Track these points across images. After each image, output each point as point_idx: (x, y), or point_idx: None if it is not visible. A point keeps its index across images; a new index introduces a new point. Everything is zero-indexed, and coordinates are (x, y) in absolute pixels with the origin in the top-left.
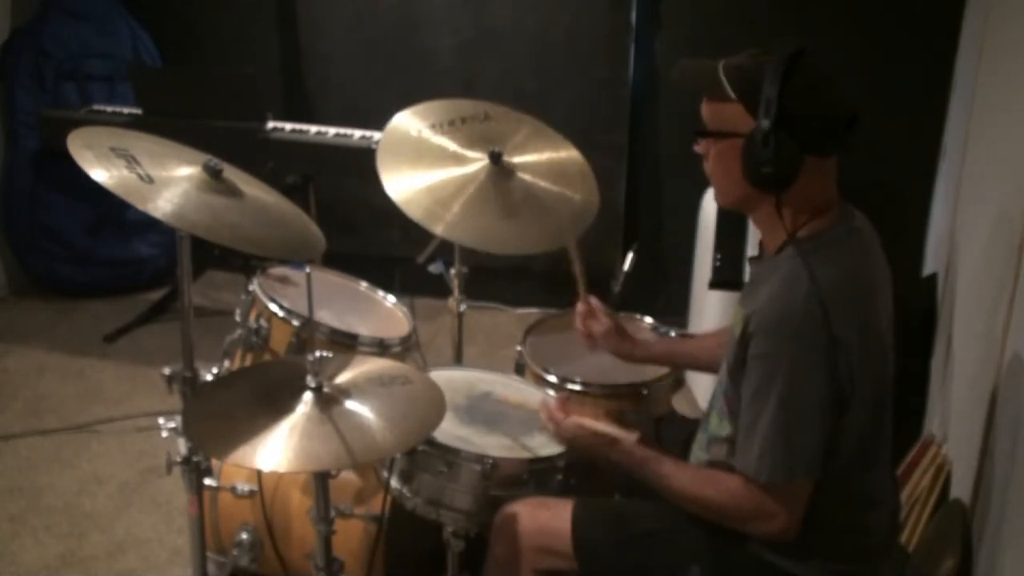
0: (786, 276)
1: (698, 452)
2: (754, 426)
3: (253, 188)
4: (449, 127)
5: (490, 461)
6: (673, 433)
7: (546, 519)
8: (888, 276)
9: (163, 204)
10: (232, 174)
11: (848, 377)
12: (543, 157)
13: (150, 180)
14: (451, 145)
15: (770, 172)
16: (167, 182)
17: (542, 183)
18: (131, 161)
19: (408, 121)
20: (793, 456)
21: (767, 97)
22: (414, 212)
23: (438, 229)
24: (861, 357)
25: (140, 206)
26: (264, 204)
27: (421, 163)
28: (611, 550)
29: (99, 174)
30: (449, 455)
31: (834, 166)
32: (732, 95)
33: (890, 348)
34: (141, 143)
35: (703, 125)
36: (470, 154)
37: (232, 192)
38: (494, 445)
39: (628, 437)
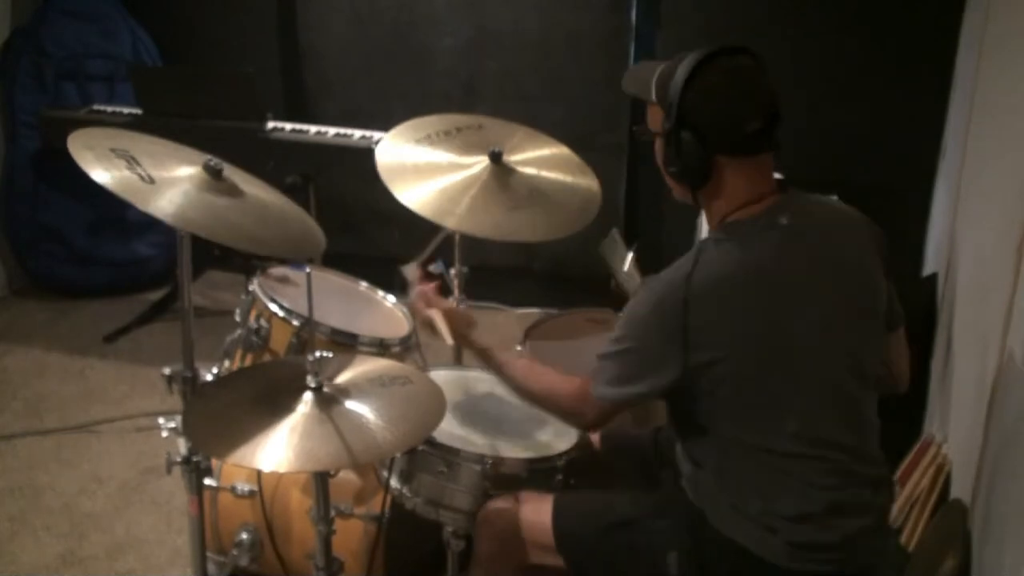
0: (685, 256)
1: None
2: (606, 347)
3: (253, 187)
4: (445, 136)
5: (490, 461)
6: (670, 442)
7: (527, 513)
8: (846, 266)
9: (164, 204)
10: (232, 174)
11: (694, 364)
12: (540, 154)
13: (150, 180)
14: (449, 154)
15: (675, 171)
16: (167, 182)
17: (543, 174)
18: (131, 161)
19: (402, 136)
20: (612, 384)
21: (670, 101)
22: (424, 212)
23: (450, 223)
24: (721, 349)
25: (141, 206)
26: (264, 203)
27: (424, 173)
28: (592, 540)
29: (100, 175)
30: (449, 455)
31: (763, 163)
32: (654, 99)
33: (826, 344)
34: (141, 144)
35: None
36: (470, 159)
37: (232, 192)
38: (494, 445)
39: (448, 342)
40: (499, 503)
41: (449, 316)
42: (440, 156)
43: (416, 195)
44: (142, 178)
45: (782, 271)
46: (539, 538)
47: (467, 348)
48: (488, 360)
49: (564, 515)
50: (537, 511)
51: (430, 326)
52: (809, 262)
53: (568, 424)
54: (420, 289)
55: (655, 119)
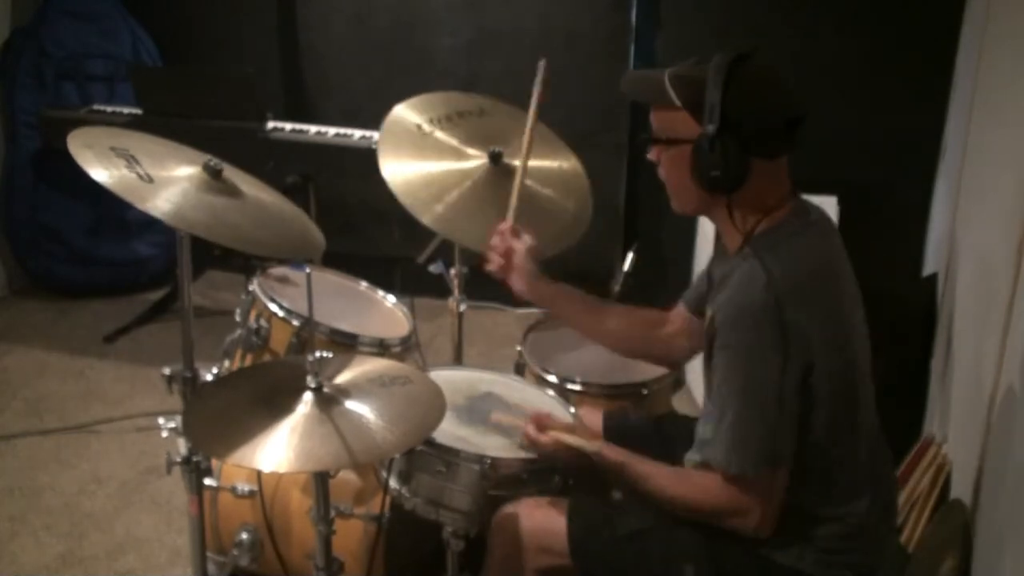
0: (745, 273)
1: (691, 455)
2: (721, 419)
3: (253, 188)
4: (447, 122)
5: (489, 461)
6: (674, 432)
7: (542, 518)
8: (850, 268)
9: (163, 204)
10: (232, 174)
11: (806, 363)
12: (541, 164)
13: (150, 180)
14: (452, 141)
15: (718, 175)
16: (167, 182)
17: (537, 188)
18: (131, 161)
19: (407, 114)
20: (756, 447)
21: (711, 103)
22: (406, 199)
23: (425, 219)
24: (821, 347)
25: (140, 205)
26: (264, 204)
27: (422, 154)
28: (605, 548)
29: (99, 173)
30: (448, 455)
31: (784, 165)
32: (678, 103)
33: (863, 337)
34: (141, 143)
35: (652, 133)
36: (470, 151)
37: (232, 192)
38: (493, 445)
39: (594, 448)
40: (513, 508)
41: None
42: (444, 139)
43: (405, 173)
44: (141, 177)
45: (833, 263)
46: (552, 544)
47: (602, 467)
48: (627, 476)
49: (578, 522)
50: (551, 517)
51: (561, 454)
52: (840, 254)
53: (741, 531)
54: (532, 418)
55: (674, 125)
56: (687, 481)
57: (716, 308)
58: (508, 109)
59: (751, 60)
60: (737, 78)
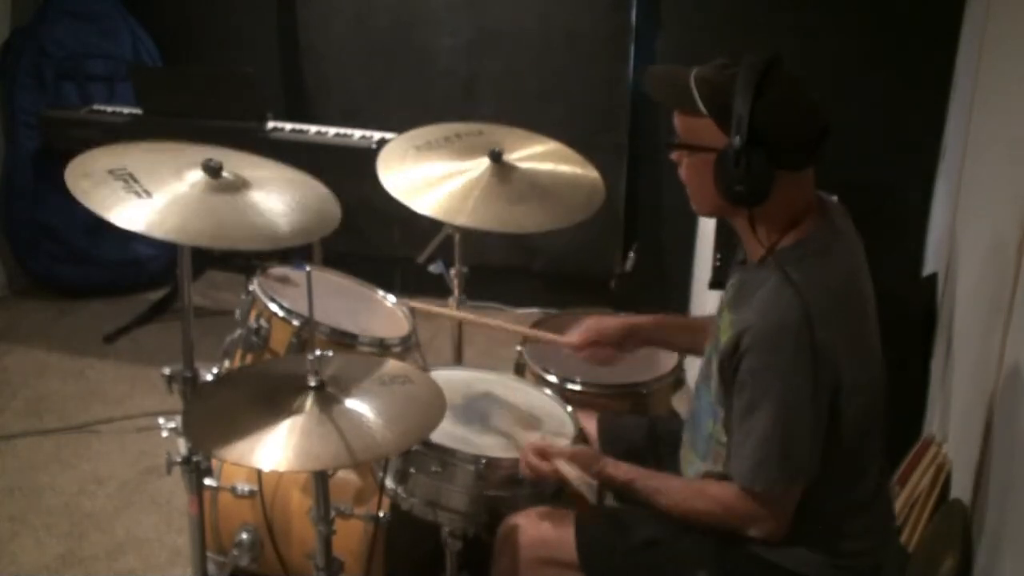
0: (771, 289)
1: (692, 457)
2: (749, 436)
3: (258, 171)
4: (445, 142)
5: (485, 461)
6: (667, 429)
7: (548, 530)
8: (869, 276)
9: (165, 221)
10: (234, 163)
11: (835, 384)
12: (540, 150)
13: (148, 195)
14: (451, 160)
15: (743, 190)
16: (167, 193)
17: (546, 167)
18: (129, 180)
19: (403, 144)
20: (787, 465)
21: (739, 114)
22: (442, 215)
23: (459, 221)
24: (848, 366)
25: (146, 232)
26: (272, 187)
27: (430, 179)
28: (617, 558)
29: (100, 206)
30: (444, 455)
31: (810, 176)
32: (704, 110)
33: (879, 347)
34: (139, 155)
35: (676, 134)
36: (471, 163)
37: (236, 187)
38: (490, 445)
39: (591, 491)
40: (518, 519)
41: (576, 458)
42: (442, 163)
43: (424, 203)
44: (139, 195)
45: (856, 276)
46: (560, 556)
47: (610, 486)
48: (636, 492)
49: (586, 533)
50: (558, 528)
51: (561, 481)
52: (863, 264)
53: (754, 537)
54: (528, 445)
55: (698, 132)
56: (703, 495)
57: (744, 327)
58: (506, 129)
59: (779, 68)
60: (767, 88)
